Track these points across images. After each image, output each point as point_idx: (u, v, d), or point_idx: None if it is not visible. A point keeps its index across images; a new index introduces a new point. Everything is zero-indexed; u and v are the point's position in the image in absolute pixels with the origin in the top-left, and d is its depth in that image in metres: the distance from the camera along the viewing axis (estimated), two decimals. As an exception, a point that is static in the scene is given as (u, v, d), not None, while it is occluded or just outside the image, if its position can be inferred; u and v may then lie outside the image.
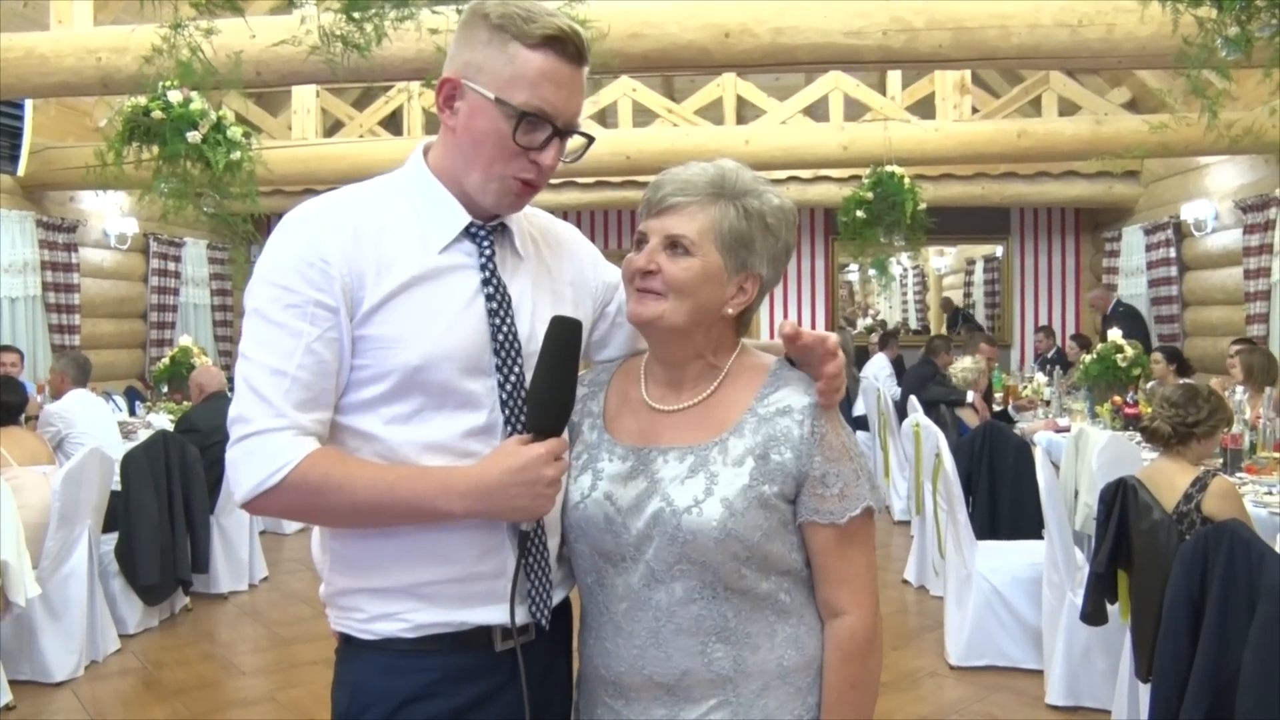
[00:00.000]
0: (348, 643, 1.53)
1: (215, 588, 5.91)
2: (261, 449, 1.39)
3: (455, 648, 1.48)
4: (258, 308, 1.43)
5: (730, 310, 1.55)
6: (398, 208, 1.50)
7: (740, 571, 1.47)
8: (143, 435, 6.24)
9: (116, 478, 5.18)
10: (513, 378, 1.49)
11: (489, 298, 1.49)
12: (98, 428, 5.76)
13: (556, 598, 1.58)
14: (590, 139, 1.53)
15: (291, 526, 7.60)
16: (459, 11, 3.13)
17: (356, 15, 2.91)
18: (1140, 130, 7.74)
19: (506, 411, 1.49)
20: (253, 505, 1.41)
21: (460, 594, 1.48)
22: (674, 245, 1.50)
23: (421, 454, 1.45)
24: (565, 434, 1.49)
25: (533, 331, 1.51)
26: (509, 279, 1.53)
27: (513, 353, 1.50)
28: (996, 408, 7.52)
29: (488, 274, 1.50)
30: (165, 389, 8.01)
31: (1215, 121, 2.99)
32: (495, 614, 1.49)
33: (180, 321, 10.16)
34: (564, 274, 1.62)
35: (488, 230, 1.53)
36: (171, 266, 10.03)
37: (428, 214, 1.50)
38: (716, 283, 1.51)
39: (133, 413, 7.82)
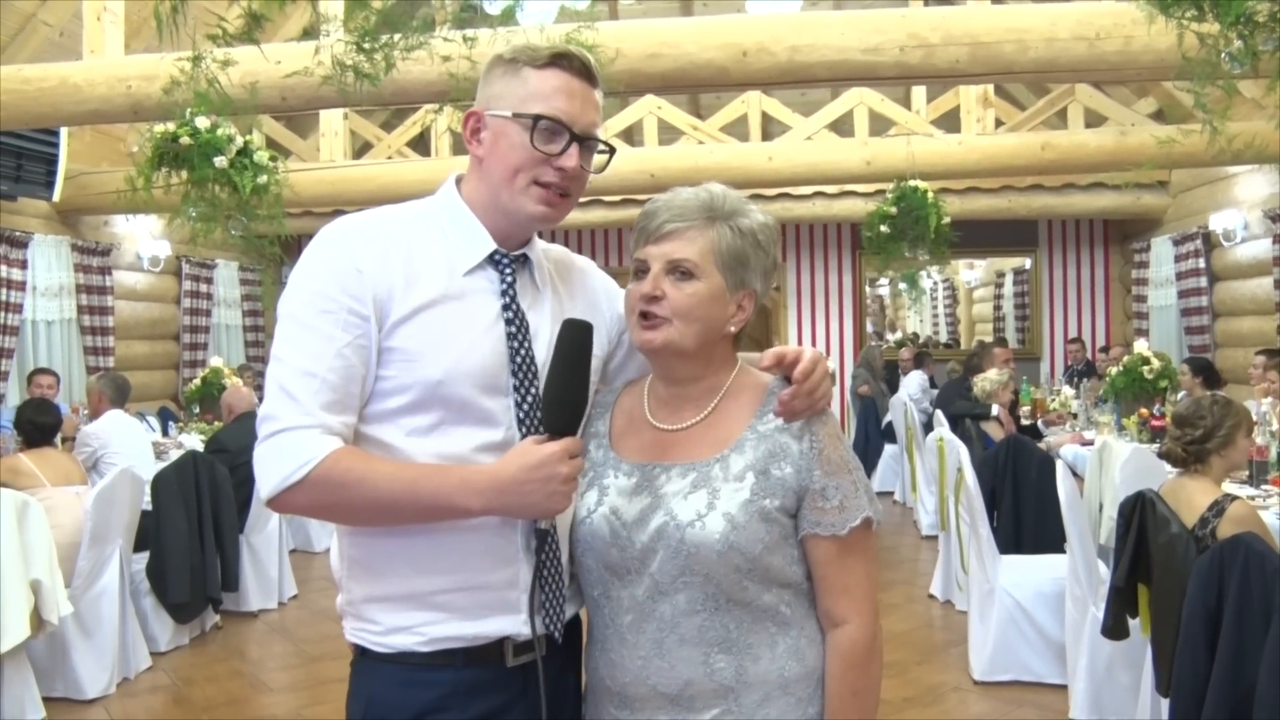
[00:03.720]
0: (363, 655, 1.57)
1: (245, 606, 5.99)
2: (288, 445, 1.44)
3: (468, 663, 1.52)
4: (291, 312, 1.50)
5: (732, 328, 1.60)
6: (427, 230, 1.58)
7: (742, 584, 1.51)
8: (175, 455, 6.35)
9: (147, 498, 5.27)
10: (530, 398, 1.55)
11: (509, 322, 1.56)
12: (131, 448, 5.86)
13: (569, 612, 1.62)
14: (612, 149, 1.62)
15: (321, 545, 7.68)
16: (467, 40, 3.20)
17: (367, 46, 2.98)
18: (1165, 141, 7.70)
19: (523, 430, 1.54)
20: (278, 501, 1.46)
21: (474, 603, 1.52)
22: (676, 270, 1.55)
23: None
24: (580, 434, 1.54)
25: (547, 358, 1.56)
26: (527, 308, 1.59)
27: (529, 374, 1.55)
28: (1025, 421, 7.47)
29: (508, 299, 1.57)
30: (197, 410, 8.13)
31: (1218, 136, 2.98)
32: (509, 624, 1.53)
33: (212, 342, 10.32)
34: (577, 306, 1.67)
35: (510, 259, 1.59)
36: (204, 288, 10.20)
37: (455, 238, 1.58)
38: (720, 303, 1.57)
39: (166, 433, 7.95)
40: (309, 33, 3.25)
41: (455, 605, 1.52)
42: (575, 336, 1.49)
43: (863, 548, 1.56)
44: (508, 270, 1.58)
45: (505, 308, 1.56)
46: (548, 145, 1.52)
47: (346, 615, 1.60)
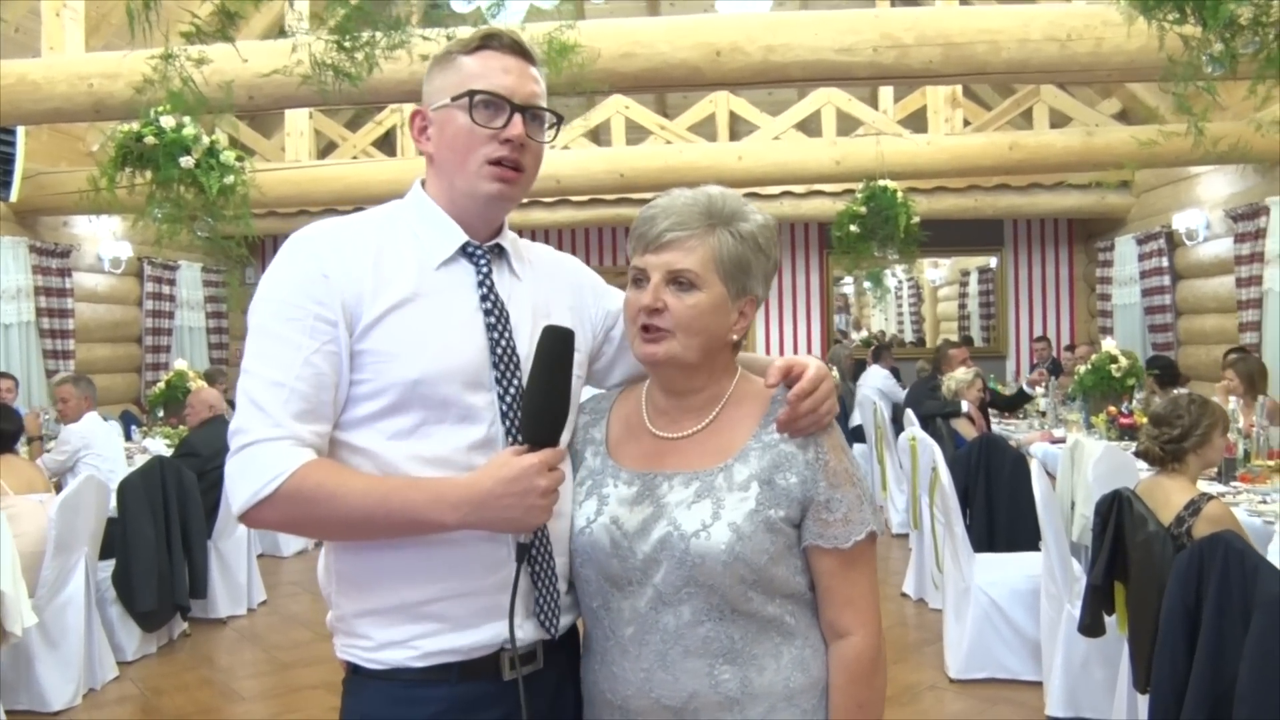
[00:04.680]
0: (354, 672, 1.53)
1: (214, 612, 5.88)
2: (258, 459, 1.40)
3: (464, 677, 1.49)
4: (259, 323, 1.47)
5: (734, 336, 1.57)
6: (396, 231, 1.55)
7: (747, 594, 1.49)
8: (139, 460, 6.24)
9: (113, 504, 5.17)
10: (512, 390, 1.51)
11: (487, 313, 1.52)
12: (111, 450, 5.79)
13: (566, 620, 1.58)
14: (559, 116, 1.59)
15: (289, 549, 7.59)
16: (449, 38, 3.15)
17: (348, 44, 2.93)
18: (1131, 142, 7.80)
19: (507, 424, 1.51)
20: (249, 516, 1.42)
21: (466, 610, 1.48)
22: (677, 280, 1.51)
23: (422, 469, 1.46)
24: (563, 445, 1.50)
25: (531, 350, 1.52)
26: (506, 298, 1.56)
27: (511, 366, 1.52)
28: (1006, 391, 7.53)
29: (485, 290, 1.54)
30: (161, 413, 8.00)
31: (1202, 138, 3.01)
32: (504, 630, 1.49)
33: (176, 345, 10.16)
34: (562, 299, 1.64)
35: (484, 250, 1.56)
36: (166, 290, 10.04)
37: (425, 235, 1.55)
38: (722, 312, 1.54)
39: (129, 437, 7.81)
40: (285, 32, 3.18)
41: (447, 615, 1.48)
42: (555, 344, 1.45)
43: (866, 560, 1.55)
44: (483, 261, 1.55)
45: (483, 299, 1.53)
46: (490, 121, 1.50)
47: (337, 632, 1.56)
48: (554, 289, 1.65)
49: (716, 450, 1.55)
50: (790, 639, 1.53)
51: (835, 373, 10.32)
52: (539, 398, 1.44)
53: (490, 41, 1.54)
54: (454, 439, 1.48)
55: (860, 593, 1.54)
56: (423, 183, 1.61)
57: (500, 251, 1.59)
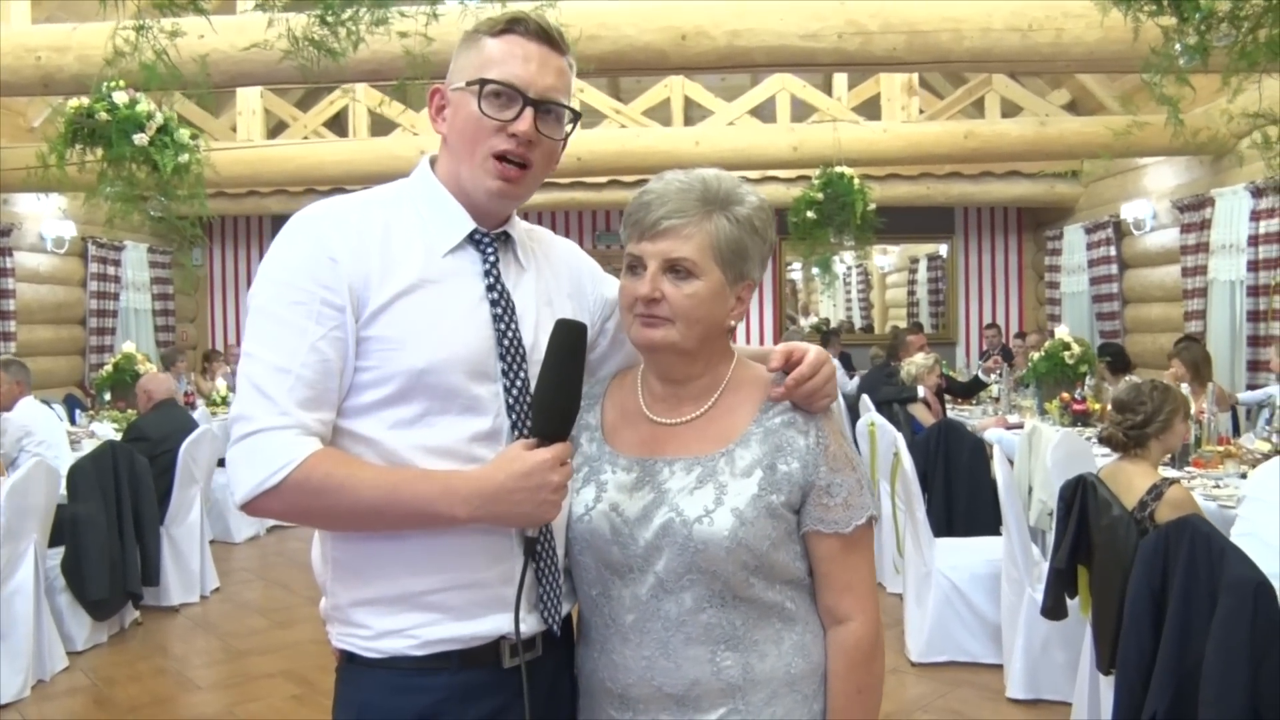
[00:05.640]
0: (351, 660, 1.50)
1: (166, 600, 5.76)
2: (264, 448, 1.36)
3: (463, 665, 1.46)
4: (262, 305, 1.42)
5: (731, 322, 1.56)
6: (403, 213, 1.50)
7: (749, 580, 1.48)
8: (87, 444, 6.09)
9: (63, 490, 5.04)
10: (519, 382, 1.49)
11: (493, 303, 1.49)
12: (54, 435, 5.61)
13: (565, 609, 1.57)
14: (577, 113, 1.54)
15: (241, 535, 7.47)
16: (436, 16, 3.10)
17: (330, 19, 2.86)
18: (1081, 132, 7.94)
19: (513, 416, 1.48)
20: (252, 505, 1.38)
21: (468, 601, 1.46)
22: (675, 268, 1.49)
23: (425, 459, 1.43)
24: (578, 435, 1.49)
25: (536, 340, 1.50)
26: (511, 287, 1.53)
27: (518, 358, 1.49)
28: (961, 379, 7.64)
29: (492, 279, 1.50)
30: (108, 397, 7.81)
31: (1182, 128, 3.06)
32: (505, 622, 1.47)
33: (121, 327, 9.94)
34: (563, 287, 1.62)
35: (491, 238, 1.53)
36: (111, 271, 9.81)
37: (432, 219, 1.51)
38: (720, 299, 1.52)
39: (73, 421, 7.61)
40: (261, 6, 3.10)
41: (449, 605, 1.45)
42: (567, 338, 1.42)
43: (864, 545, 1.55)
44: (489, 250, 1.52)
45: (490, 289, 1.49)
46: (500, 112, 1.45)
47: (332, 620, 1.52)
48: (555, 275, 1.62)
49: (717, 436, 1.53)
50: (791, 625, 1.52)
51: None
52: (550, 391, 1.41)
53: (515, 26, 1.48)
54: (458, 430, 1.45)
55: (859, 578, 1.55)
56: (432, 160, 1.56)
57: (507, 240, 1.56)
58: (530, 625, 1.49)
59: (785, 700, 1.51)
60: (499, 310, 1.49)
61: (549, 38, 1.50)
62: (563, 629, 1.58)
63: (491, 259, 1.51)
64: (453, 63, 1.52)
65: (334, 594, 1.51)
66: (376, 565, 1.46)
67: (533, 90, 1.46)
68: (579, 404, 1.47)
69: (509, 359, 1.48)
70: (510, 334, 1.49)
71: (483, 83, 1.45)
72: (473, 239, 1.51)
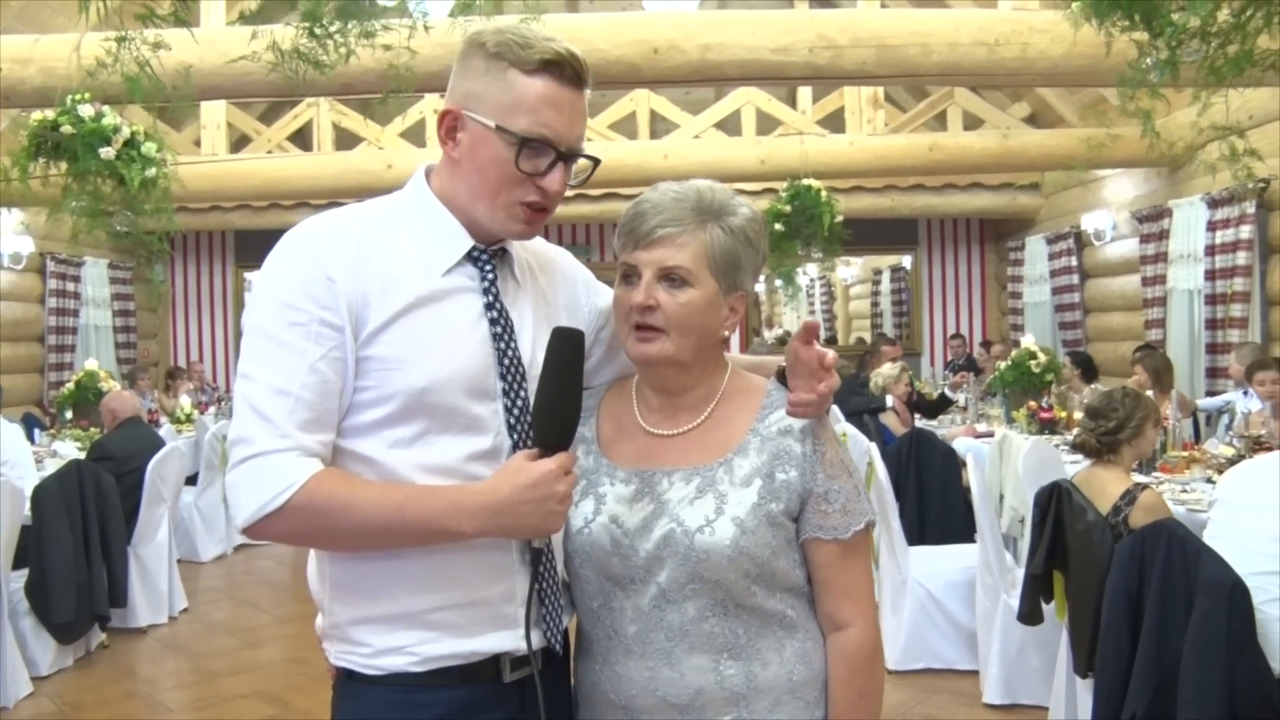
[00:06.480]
0: (349, 678, 1.48)
1: (133, 622, 5.65)
2: (265, 470, 1.35)
3: (464, 680, 1.45)
4: (259, 325, 1.40)
5: (725, 332, 1.57)
6: (399, 229, 1.48)
7: (750, 589, 1.48)
8: (49, 464, 5.97)
9: (27, 510, 4.94)
10: (519, 401, 1.48)
11: (493, 321, 1.48)
12: (18, 454, 5.49)
13: (565, 623, 1.56)
14: (596, 161, 1.52)
15: (208, 554, 7.36)
16: (426, 29, 3.09)
17: (318, 32, 2.84)
18: (1043, 144, 8.08)
19: (515, 436, 1.47)
20: (255, 529, 1.37)
21: (470, 619, 1.45)
22: (669, 277, 1.49)
23: (425, 478, 1.42)
24: (573, 448, 1.47)
25: (534, 357, 1.49)
26: (509, 304, 1.52)
27: (518, 376, 1.48)
28: (930, 393, 7.71)
29: (490, 298, 1.49)
30: (70, 415, 7.68)
31: (1158, 140, 3.13)
32: (506, 640, 1.46)
33: (81, 344, 9.77)
34: (559, 299, 1.62)
35: (489, 255, 1.52)
36: (71, 287, 9.64)
37: (430, 236, 1.48)
38: (714, 309, 1.53)
39: (33, 440, 7.47)
40: (244, 16, 3.07)
41: (450, 623, 1.44)
42: (566, 346, 1.41)
43: (863, 550, 1.56)
44: (488, 266, 1.50)
45: (489, 306, 1.48)
46: (531, 164, 1.43)
47: (330, 638, 1.51)
48: (551, 288, 1.61)
49: (715, 445, 1.54)
50: (792, 632, 1.53)
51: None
52: (551, 399, 1.41)
53: (552, 68, 1.42)
54: (457, 449, 1.44)
55: (858, 583, 1.56)
56: (427, 173, 1.54)
57: (504, 255, 1.54)
58: (533, 641, 1.48)
59: (788, 707, 1.51)
60: (498, 329, 1.48)
61: (581, 80, 1.46)
62: (564, 643, 1.58)
63: (490, 276, 1.50)
64: (465, 78, 1.46)
65: (332, 612, 1.49)
66: (376, 584, 1.44)
67: (564, 144, 1.44)
68: (580, 412, 1.46)
69: (509, 377, 1.48)
70: (510, 352, 1.48)
71: (523, 141, 1.41)
72: (471, 256, 1.50)
